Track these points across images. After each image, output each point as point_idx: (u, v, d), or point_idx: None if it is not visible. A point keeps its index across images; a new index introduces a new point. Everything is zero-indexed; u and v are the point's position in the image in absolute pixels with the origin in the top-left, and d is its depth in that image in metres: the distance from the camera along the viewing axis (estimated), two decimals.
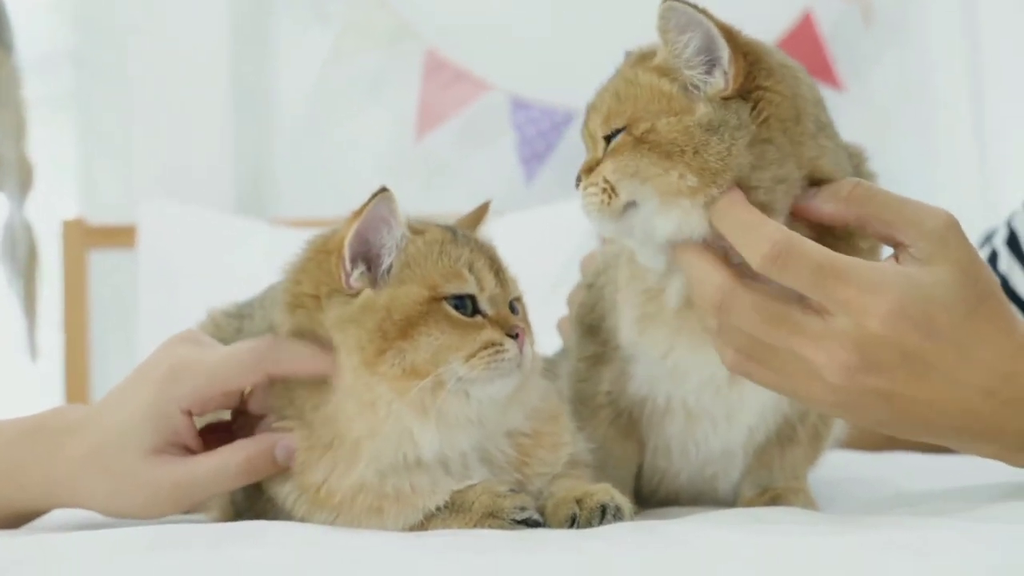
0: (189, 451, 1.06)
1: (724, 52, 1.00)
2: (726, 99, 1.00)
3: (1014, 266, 1.72)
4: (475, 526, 0.98)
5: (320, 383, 1.02)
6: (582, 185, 1.05)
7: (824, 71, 3.45)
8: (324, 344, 1.01)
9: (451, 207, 2.28)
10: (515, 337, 1.01)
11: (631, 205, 1.02)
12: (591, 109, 1.08)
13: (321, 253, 1.04)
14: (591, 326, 1.19)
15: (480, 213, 1.14)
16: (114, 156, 3.65)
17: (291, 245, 1.08)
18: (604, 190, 1.02)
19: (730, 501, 1.21)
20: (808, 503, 1.16)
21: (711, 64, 1.00)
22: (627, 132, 1.02)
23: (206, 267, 3.04)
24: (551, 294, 1.39)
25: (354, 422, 1.00)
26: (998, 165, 3.47)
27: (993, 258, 1.76)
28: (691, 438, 1.15)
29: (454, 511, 1.00)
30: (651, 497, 1.21)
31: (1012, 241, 1.74)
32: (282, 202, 3.70)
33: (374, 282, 1.01)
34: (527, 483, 1.05)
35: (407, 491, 1.01)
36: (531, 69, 3.59)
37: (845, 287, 0.93)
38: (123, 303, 3.43)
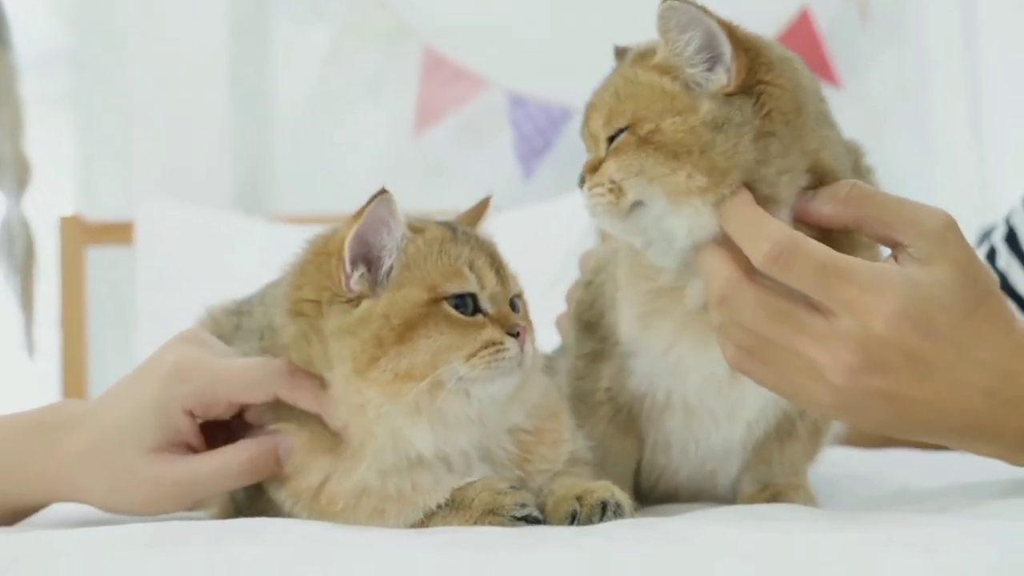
0: (190, 450, 1.06)
1: (726, 49, 1.00)
2: (729, 95, 1.00)
3: (1012, 263, 1.72)
4: (475, 523, 0.98)
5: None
6: (587, 185, 1.05)
7: (821, 68, 3.44)
8: (318, 363, 1.02)
9: (450, 204, 2.28)
10: (516, 335, 1.01)
11: (638, 204, 1.02)
12: (591, 109, 1.07)
13: (321, 255, 1.04)
14: (589, 323, 1.19)
15: (481, 209, 1.14)
16: (112, 154, 3.65)
17: (289, 242, 1.08)
18: (611, 190, 1.02)
19: (729, 497, 1.21)
20: (808, 500, 1.16)
21: (713, 61, 1.00)
22: (630, 132, 1.02)
23: (204, 264, 3.03)
24: (549, 291, 1.39)
25: (349, 426, 1.01)
26: (995, 163, 3.47)
27: (991, 255, 1.76)
28: (691, 434, 1.15)
29: (454, 508, 1.00)
30: (650, 494, 1.21)
31: (1011, 238, 1.74)
32: (280, 200, 3.70)
33: (374, 284, 1.01)
34: (528, 480, 1.05)
35: (408, 490, 1.01)
36: (529, 66, 3.58)
37: (848, 287, 0.93)
38: (121, 300, 3.42)
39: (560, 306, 1.35)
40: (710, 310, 1.01)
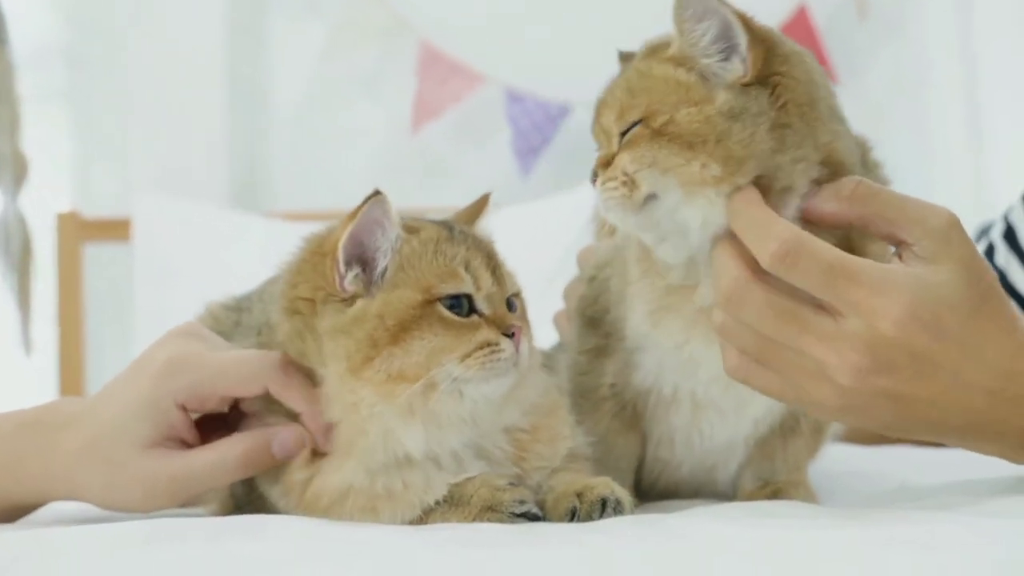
0: (185, 445, 1.06)
1: (741, 39, 1.00)
2: (745, 86, 1.00)
3: (1011, 260, 1.72)
4: (474, 520, 0.98)
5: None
6: (600, 180, 1.04)
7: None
8: (312, 361, 1.02)
9: (447, 201, 2.28)
10: (512, 336, 1.01)
11: (652, 198, 1.01)
12: (602, 105, 1.07)
13: (317, 255, 1.04)
14: (593, 319, 1.18)
15: (479, 206, 1.13)
16: (109, 151, 3.65)
17: (286, 238, 1.08)
18: (624, 183, 1.01)
19: (729, 493, 1.20)
20: (808, 496, 1.16)
21: (728, 52, 1.00)
22: (644, 125, 1.01)
23: (201, 261, 3.03)
24: (547, 288, 1.39)
25: (340, 424, 1.01)
26: (992, 160, 3.47)
27: (989, 252, 1.76)
28: (696, 429, 1.15)
29: (453, 505, 1.00)
30: (651, 489, 1.21)
31: (1009, 235, 1.74)
32: (277, 197, 3.70)
33: (369, 284, 1.01)
34: (526, 477, 1.05)
35: (400, 489, 1.01)
36: (527, 62, 3.58)
37: (856, 288, 0.93)
38: (118, 296, 3.42)
39: (558, 303, 1.35)
40: (714, 309, 1.00)
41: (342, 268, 1.00)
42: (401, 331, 0.98)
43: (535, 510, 1.00)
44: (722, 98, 0.99)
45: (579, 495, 1.00)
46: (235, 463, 1.03)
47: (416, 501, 1.00)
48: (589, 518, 0.99)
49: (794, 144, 0.99)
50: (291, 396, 1.03)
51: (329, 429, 1.01)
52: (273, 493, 1.05)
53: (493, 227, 1.13)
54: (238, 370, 1.04)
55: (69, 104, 3.71)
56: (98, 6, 3.66)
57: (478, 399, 1.00)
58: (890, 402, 0.95)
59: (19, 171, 3.13)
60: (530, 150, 3.54)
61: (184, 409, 1.05)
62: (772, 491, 1.16)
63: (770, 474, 1.18)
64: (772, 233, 0.95)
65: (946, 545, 0.78)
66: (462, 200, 1.16)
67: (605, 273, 1.18)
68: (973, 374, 0.95)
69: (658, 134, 1.00)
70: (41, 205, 3.32)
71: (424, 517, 1.00)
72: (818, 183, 1.01)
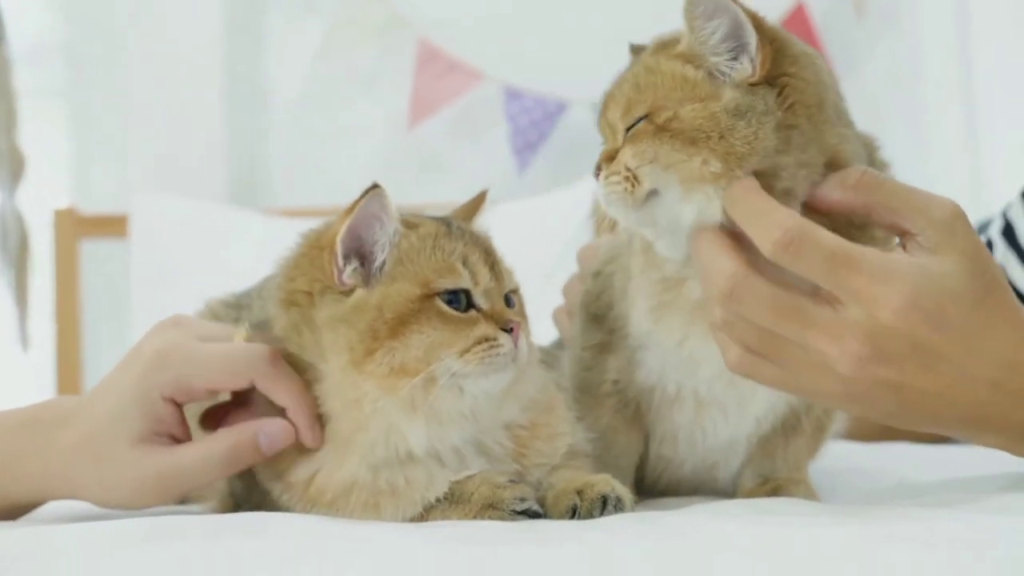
0: (176, 440, 1.06)
1: (751, 39, 1.00)
2: (753, 85, 1.00)
3: (1009, 257, 1.72)
4: (475, 517, 0.98)
5: (309, 381, 1.02)
6: (603, 175, 1.04)
7: None
8: (310, 355, 1.01)
9: (444, 197, 2.28)
10: (510, 331, 1.01)
11: (653, 194, 1.01)
12: (609, 99, 1.07)
13: (314, 249, 1.04)
14: (596, 315, 1.18)
15: (477, 203, 1.13)
16: (107, 147, 3.65)
17: (284, 235, 1.08)
18: (626, 178, 1.01)
19: (730, 491, 1.20)
20: (809, 494, 1.15)
21: (737, 51, 1.00)
22: (648, 120, 1.01)
23: (199, 257, 3.03)
24: (545, 284, 1.39)
25: (341, 420, 1.00)
26: (989, 155, 3.47)
27: (988, 249, 1.76)
28: (699, 427, 1.14)
29: (453, 502, 1.00)
30: (652, 487, 1.21)
31: (1008, 232, 1.74)
32: (275, 193, 3.70)
33: (367, 278, 1.01)
34: (526, 474, 1.05)
35: (402, 485, 1.01)
36: (524, 59, 3.58)
37: (857, 276, 0.93)
38: (115, 293, 3.42)
39: (555, 299, 1.35)
40: (713, 306, 1.00)
41: (340, 262, 1.00)
42: (400, 324, 0.98)
43: (536, 507, 1.00)
44: (728, 96, 0.99)
45: (580, 492, 1.00)
46: (222, 458, 1.03)
47: (418, 498, 1.00)
48: (590, 515, 0.99)
49: (799, 146, 0.99)
50: (277, 390, 1.02)
51: (315, 424, 1.01)
52: (275, 489, 1.05)
53: (490, 223, 1.13)
54: (224, 364, 1.03)
55: (67, 101, 3.71)
56: (97, 3, 3.66)
57: (478, 394, 1.00)
58: (892, 392, 0.95)
59: (16, 167, 3.13)
60: (527, 147, 3.54)
61: (173, 402, 1.05)
62: (772, 488, 1.16)
63: (770, 472, 1.18)
64: (775, 221, 0.95)
65: (946, 542, 0.78)
66: (459, 197, 1.16)
67: (609, 269, 1.18)
68: (976, 365, 0.94)
69: (661, 130, 1.00)
70: (39, 201, 3.32)
71: (425, 514, 1.00)
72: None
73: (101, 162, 3.68)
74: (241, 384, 1.04)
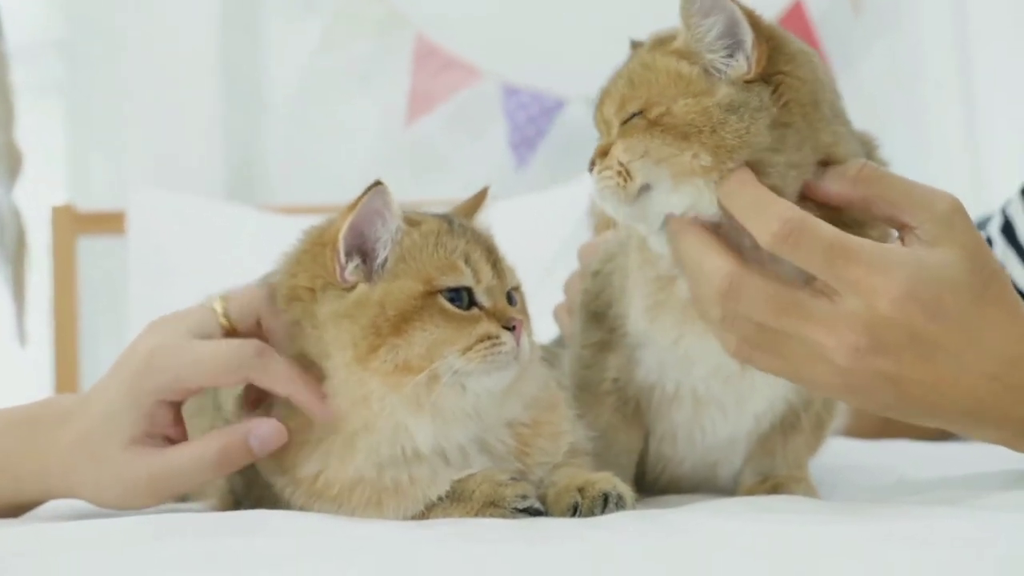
0: (170, 440, 1.06)
1: (748, 36, 1.00)
2: (748, 82, 1.00)
3: (1009, 254, 1.72)
4: (476, 515, 0.99)
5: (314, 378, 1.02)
6: (596, 169, 1.04)
7: None
8: (315, 352, 1.01)
9: (442, 194, 2.28)
10: (512, 329, 1.01)
11: (645, 189, 1.01)
12: (604, 94, 1.07)
13: (317, 245, 1.04)
14: (597, 313, 1.18)
15: (478, 200, 1.13)
16: (104, 144, 3.64)
17: (281, 232, 1.08)
18: (619, 172, 1.02)
19: (730, 489, 1.21)
20: (809, 491, 1.16)
21: (733, 48, 1.00)
22: (642, 116, 1.02)
23: (196, 254, 3.02)
24: (544, 281, 1.39)
25: (348, 417, 1.00)
26: (988, 154, 3.47)
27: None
28: (698, 425, 1.15)
29: (455, 500, 1.00)
30: (654, 485, 1.21)
31: (1007, 229, 1.74)
32: (272, 190, 3.69)
33: (369, 275, 1.01)
34: (528, 472, 1.05)
35: (406, 483, 1.01)
36: (522, 55, 3.57)
37: (855, 267, 0.93)
38: (113, 289, 3.41)
39: (556, 296, 1.35)
40: (708, 305, 1.00)
41: (342, 258, 1.01)
42: (402, 321, 0.98)
43: (537, 505, 1.00)
44: (723, 92, 0.99)
45: (581, 490, 1.00)
46: (212, 460, 1.03)
47: (420, 496, 1.01)
48: (591, 513, 0.99)
49: (794, 145, 0.99)
50: (272, 382, 1.02)
51: (321, 399, 1.01)
52: (278, 483, 1.04)
53: (489, 220, 1.13)
54: (215, 363, 1.03)
55: (64, 97, 3.70)
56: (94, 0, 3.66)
57: (480, 392, 1.01)
58: (890, 384, 0.95)
59: (14, 164, 3.12)
60: (525, 143, 3.54)
61: (166, 403, 1.04)
62: (772, 486, 1.16)
63: (770, 470, 1.18)
64: (773, 213, 0.95)
65: (946, 540, 0.78)
66: (457, 193, 1.16)
67: (608, 267, 1.18)
68: (974, 358, 0.95)
69: (654, 125, 1.00)
70: (36, 198, 3.31)
71: (426, 512, 1.01)
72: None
73: (99, 158, 3.67)
74: (234, 382, 1.04)
